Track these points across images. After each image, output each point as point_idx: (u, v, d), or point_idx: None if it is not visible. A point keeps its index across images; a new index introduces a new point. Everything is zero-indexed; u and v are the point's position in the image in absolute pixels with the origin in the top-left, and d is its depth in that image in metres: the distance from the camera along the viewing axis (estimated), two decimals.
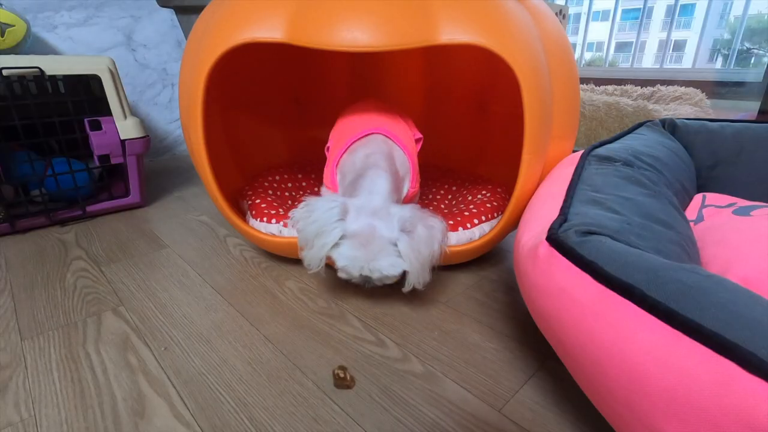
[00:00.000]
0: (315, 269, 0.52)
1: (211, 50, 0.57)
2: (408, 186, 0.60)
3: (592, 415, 0.44)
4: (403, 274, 0.52)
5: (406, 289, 0.52)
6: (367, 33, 0.51)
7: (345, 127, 0.67)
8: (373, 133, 0.60)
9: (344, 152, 0.60)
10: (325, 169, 0.64)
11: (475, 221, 0.70)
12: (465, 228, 0.69)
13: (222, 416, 0.45)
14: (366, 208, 0.51)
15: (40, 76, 0.86)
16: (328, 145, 0.68)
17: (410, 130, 0.69)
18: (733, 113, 1.80)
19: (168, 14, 1.47)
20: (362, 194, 0.53)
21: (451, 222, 0.70)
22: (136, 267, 0.77)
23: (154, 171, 1.42)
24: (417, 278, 0.51)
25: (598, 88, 1.74)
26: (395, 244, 0.49)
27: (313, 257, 0.51)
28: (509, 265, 0.77)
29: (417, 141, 0.70)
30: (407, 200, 0.61)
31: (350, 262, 0.50)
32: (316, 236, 0.50)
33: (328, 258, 0.52)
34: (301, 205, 0.53)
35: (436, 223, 0.52)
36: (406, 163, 0.60)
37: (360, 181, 0.54)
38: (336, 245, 0.50)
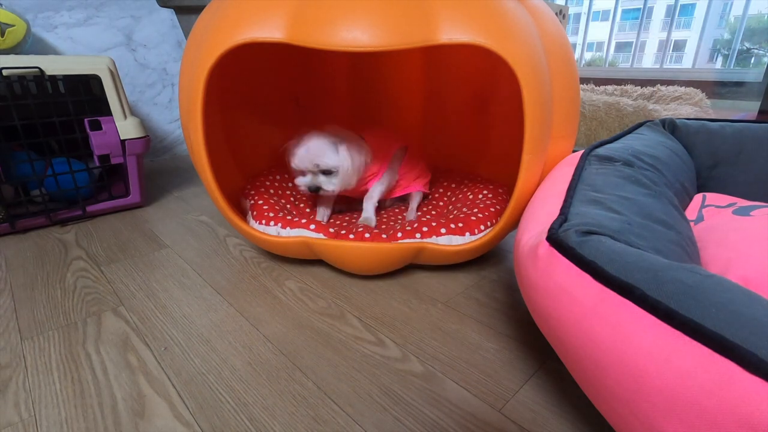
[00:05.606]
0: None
1: (211, 50, 0.57)
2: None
3: (592, 415, 0.44)
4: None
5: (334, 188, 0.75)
6: (367, 33, 0.51)
7: None
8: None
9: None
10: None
11: (482, 227, 0.71)
12: (472, 233, 0.70)
13: (222, 416, 0.45)
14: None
15: (40, 76, 0.86)
16: None
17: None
18: (733, 113, 1.80)
19: (168, 14, 1.47)
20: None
21: (460, 225, 0.71)
22: (136, 267, 0.77)
23: (154, 171, 1.42)
24: (347, 180, 0.75)
25: (598, 88, 1.74)
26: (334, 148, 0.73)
27: None
28: (509, 265, 0.77)
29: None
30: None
31: (297, 159, 0.75)
32: None
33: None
34: None
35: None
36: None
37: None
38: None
